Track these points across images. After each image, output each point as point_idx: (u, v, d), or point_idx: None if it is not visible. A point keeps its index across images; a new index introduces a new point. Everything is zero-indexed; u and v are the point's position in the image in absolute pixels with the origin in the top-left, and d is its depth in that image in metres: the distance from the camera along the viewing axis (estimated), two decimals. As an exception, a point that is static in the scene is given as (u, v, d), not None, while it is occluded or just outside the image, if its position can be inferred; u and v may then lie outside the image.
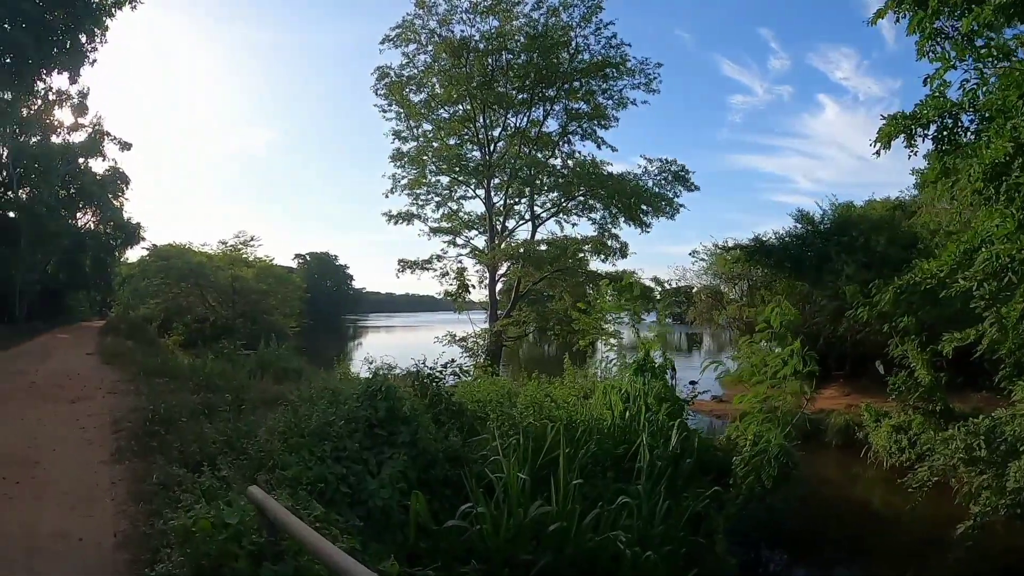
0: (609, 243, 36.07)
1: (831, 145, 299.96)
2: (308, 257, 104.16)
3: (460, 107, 36.85)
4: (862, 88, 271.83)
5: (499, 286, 37.76)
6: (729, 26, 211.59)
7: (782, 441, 11.85)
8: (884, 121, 12.38)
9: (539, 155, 37.17)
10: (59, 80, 27.68)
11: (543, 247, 35.60)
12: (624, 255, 36.15)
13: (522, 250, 35.11)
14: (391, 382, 10.04)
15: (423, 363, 12.63)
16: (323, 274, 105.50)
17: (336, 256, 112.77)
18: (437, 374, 12.34)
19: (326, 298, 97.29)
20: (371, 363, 14.59)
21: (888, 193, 33.15)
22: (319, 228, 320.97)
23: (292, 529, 4.40)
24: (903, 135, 12.14)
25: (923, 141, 12.27)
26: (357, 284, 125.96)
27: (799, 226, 28.42)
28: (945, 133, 12.16)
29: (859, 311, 17.36)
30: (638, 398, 13.23)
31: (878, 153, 12.53)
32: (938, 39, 12.29)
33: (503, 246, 36.03)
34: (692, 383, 18.59)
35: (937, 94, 12.17)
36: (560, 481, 8.86)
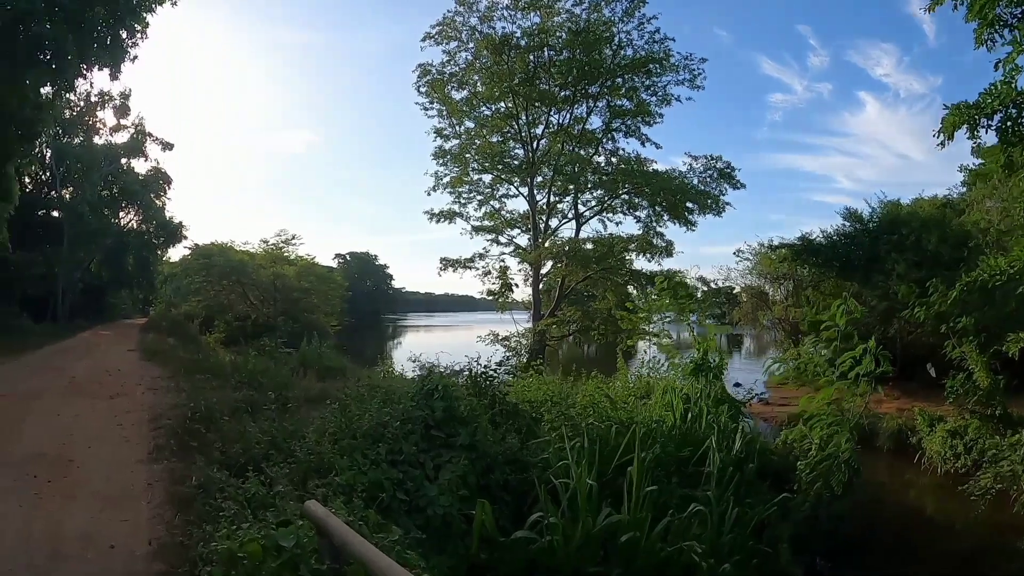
0: (655, 242, 35.52)
1: (872, 143, 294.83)
2: (348, 256, 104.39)
3: (502, 104, 36.59)
4: (903, 85, 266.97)
5: (540, 286, 37.37)
6: (768, 23, 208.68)
7: (852, 445, 11.30)
8: (947, 111, 12.10)
9: (582, 152, 36.80)
10: (100, 78, 27.82)
11: (588, 245, 35.28)
12: (670, 254, 35.63)
13: (567, 248, 34.86)
14: (448, 380, 9.66)
15: (476, 361, 12.26)
16: (363, 273, 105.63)
17: (376, 256, 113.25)
18: (491, 372, 11.97)
19: (366, 297, 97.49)
20: (415, 361, 14.34)
21: (932, 191, 32.37)
22: (359, 228, 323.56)
23: (363, 556, 3.75)
24: (966, 126, 11.76)
25: (986, 132, 11.89)
26: (396, 284, 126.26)
27: (847, 224, 27.66)
28: (1009, 124, 11.72)
29: (915, 311, 16.75)
30: (699, 400, 12.89)
31: (942, 144, 12.43)
32: (996, 26, 11.88)
33: (547, 244, 35.81)
34: (737, 385, 18.23)
35: (1008, 79, 11.74)
36: (633, 487, 8.40)
